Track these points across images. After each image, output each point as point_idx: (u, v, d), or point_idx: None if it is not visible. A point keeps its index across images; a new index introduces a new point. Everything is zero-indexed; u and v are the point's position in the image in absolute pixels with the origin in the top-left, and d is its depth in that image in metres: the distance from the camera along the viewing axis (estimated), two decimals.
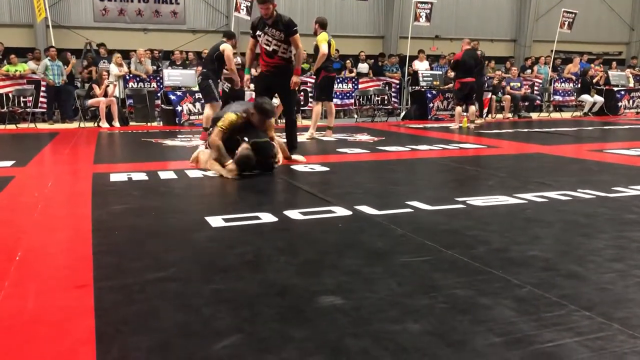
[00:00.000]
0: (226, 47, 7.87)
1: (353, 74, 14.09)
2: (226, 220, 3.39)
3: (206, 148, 5.47)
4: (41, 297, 2.21)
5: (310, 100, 13.48)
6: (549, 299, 2.17)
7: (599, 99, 14.40)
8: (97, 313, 2.03)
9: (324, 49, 8.03)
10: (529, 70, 16.07)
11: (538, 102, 15.20)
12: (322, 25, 8.23)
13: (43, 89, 11.64)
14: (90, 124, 11.00)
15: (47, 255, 2.82)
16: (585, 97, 14.44)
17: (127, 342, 1.83)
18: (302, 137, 7.64)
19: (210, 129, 5.55)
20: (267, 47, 6.11)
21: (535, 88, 15.43)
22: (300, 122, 11.73)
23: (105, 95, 10.89)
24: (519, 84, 14.11)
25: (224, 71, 8.17)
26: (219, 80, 8.27)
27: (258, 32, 6.14)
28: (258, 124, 5.13)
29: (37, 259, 2.74)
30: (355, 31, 18.69)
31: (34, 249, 2.89)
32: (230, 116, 5.08)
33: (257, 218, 3.44)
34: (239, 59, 8.84)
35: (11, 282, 2.37)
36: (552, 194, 4.17)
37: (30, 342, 1.83)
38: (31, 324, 1.97)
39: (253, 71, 7.35)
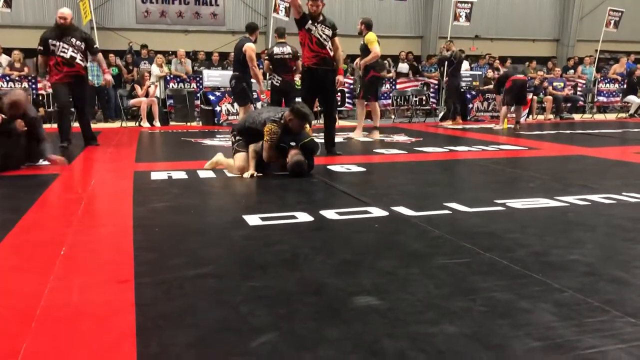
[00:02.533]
0: (248, 47, 7.48)
1: (391, 75, 14.00)
2: (263, 219, 3.42)
3: (235, 153, 5.18)
4: (85, 291, 2.28)
5: (347, 100, 13.49)
6: (591, 304, 2.12)
7: None
8: (138, 308, 2.08)
9: (377, 50, 8.04)
10: (571, 71, 15.68)
11: (581, 103, 14.82)
12: (368, 25, 8.22)
13: None
14: (131, 124, 11.26)
15: (90, 250, 2.90)
16: (631, 98, 14.04)
17: (167, 336, 1.87)
18: (339, 137, 7.63)
19: (236, 138, 5.20)
20: (320, 38, 6.31)
21: (579, 89, 15.05)
22: (338, 122, 11.75)
23: (147, 95, 11.14)
24: (561, 84, 13.78)
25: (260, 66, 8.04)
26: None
27: (309, 25, 6.29)
28: (297, 129, 5.00)
29: (81, 254, 2.82)
30: (393, 31, 18.57)
31: (77, 244, 2.98)
32: (271, 128, 4.88)
33: (294, 217, 3.47)
34: (288, 49, 8.14)
35: (56, 276, 2.44)
36: (595, 197, 4.05)
37: (75, 334, 1.89)
38: (76, 316, 2.03)
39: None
